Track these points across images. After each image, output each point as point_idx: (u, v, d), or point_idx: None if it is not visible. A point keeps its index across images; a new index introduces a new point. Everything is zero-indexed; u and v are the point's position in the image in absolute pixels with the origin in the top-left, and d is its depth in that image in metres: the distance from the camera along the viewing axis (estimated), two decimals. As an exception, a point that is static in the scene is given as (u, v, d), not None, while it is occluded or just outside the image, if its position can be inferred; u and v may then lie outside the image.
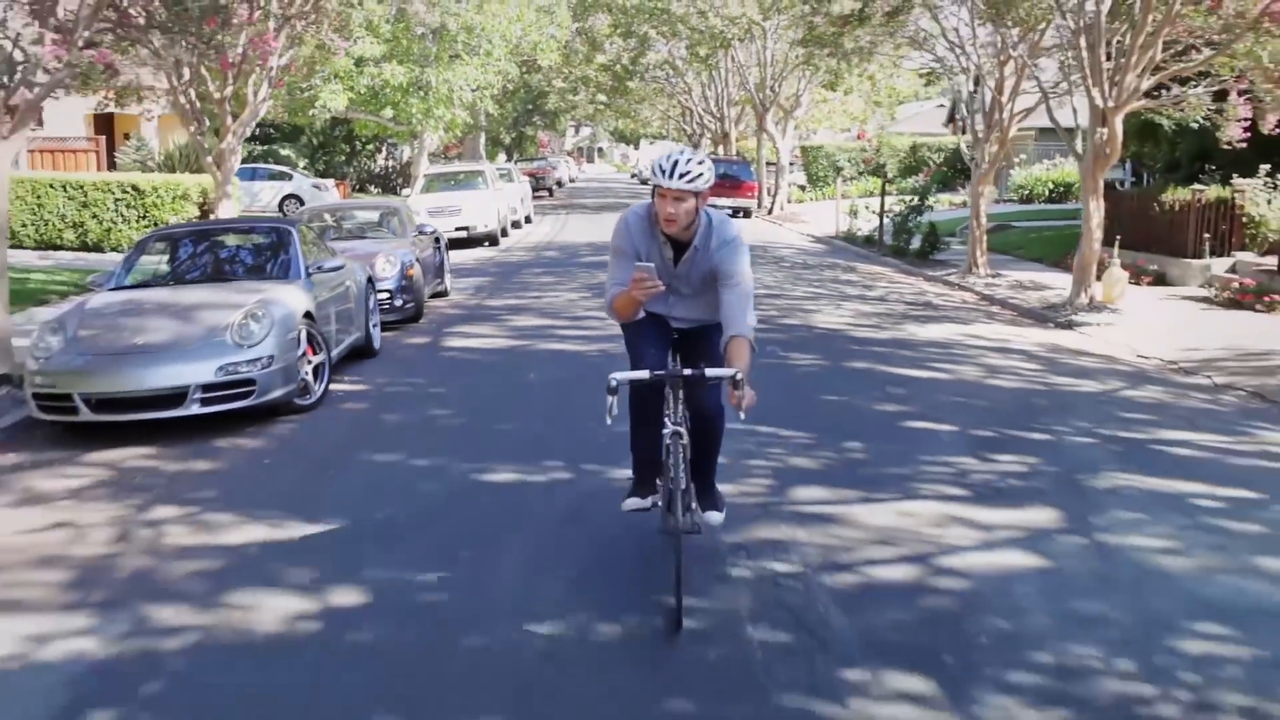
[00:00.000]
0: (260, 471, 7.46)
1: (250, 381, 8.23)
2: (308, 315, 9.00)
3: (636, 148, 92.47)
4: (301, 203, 32.92)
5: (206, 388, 8.11)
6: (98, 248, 21.74)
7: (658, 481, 5.38)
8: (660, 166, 4.90)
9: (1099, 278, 15.86)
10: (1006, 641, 4.67)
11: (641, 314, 5.19)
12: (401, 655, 4.62)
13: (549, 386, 9.97)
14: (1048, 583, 5.32)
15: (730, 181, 37.62)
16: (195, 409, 8.10)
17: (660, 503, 5.34)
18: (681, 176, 4.85)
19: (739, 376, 4.69)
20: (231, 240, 10.58)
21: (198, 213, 21.59)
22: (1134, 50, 14.28)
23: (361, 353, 11.03)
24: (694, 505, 5.25)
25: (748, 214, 37.20)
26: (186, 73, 14.11)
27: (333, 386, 9.52)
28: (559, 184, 58.56)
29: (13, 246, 21.44)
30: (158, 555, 5.85)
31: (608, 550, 5.80)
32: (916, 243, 22.91)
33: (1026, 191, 36.91)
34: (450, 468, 7.31)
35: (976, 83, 20.45)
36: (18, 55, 8.72)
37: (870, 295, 17.02)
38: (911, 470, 7.17)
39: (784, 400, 8.77)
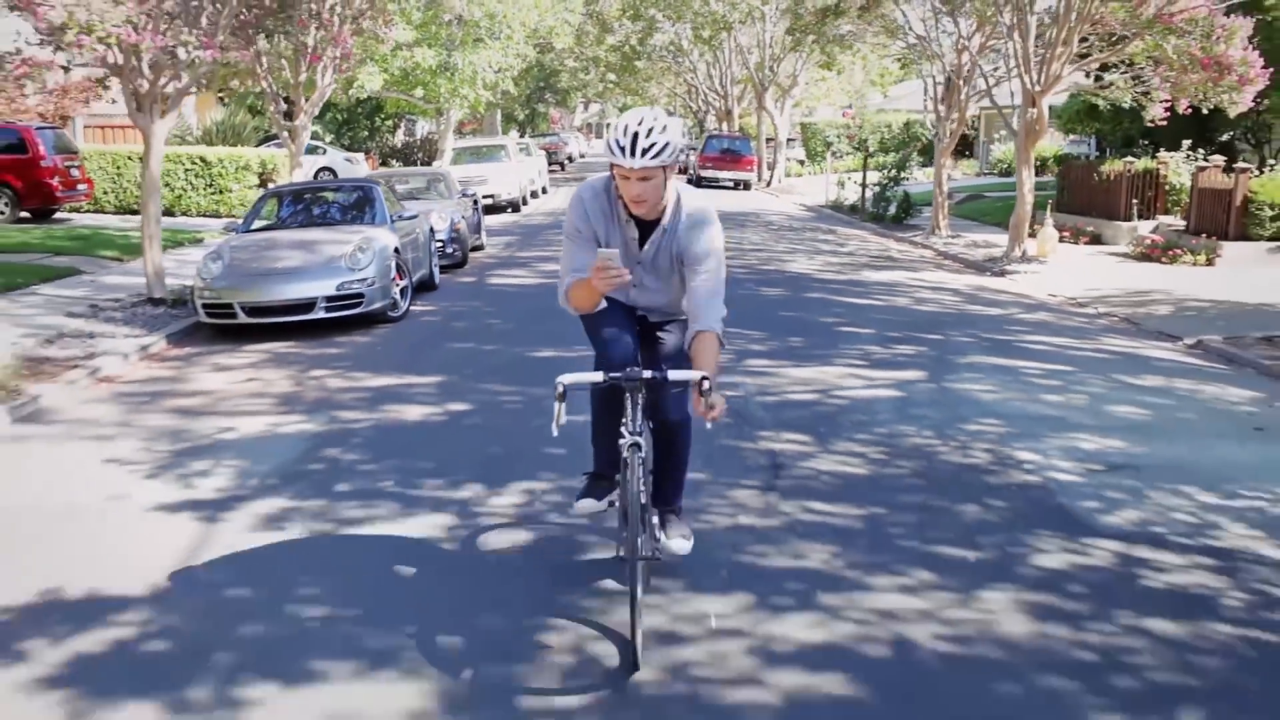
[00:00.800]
0: (375, 353, 10.51)
1: (360, 295, 11.31)
2: (396, 250, 12.06)
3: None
4: (334, 174, 35.86)
5: (329, 299, 11.19)
6: (169, 212, 24.69)
7: (617, 479, 4.66)
8: (618, 143, 4.14)
9: (1033, 236, 18.86)
10: (860, 424, 7.73)
11: (603, 303, 4.51)
12: (496, 431, 7.69)
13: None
14: (898, 402, 8.38)
15: (732, 156, 40.83)
16: (321, 314, 11.19)
17: (618, 517, 4.76)
18: (645, 153, 4.12)
19: (706, 381, 4.01)
20: (331, 195, 13.65)
21: (258, 181, 24.62)
22: (1057, 43, 17.25)
23: (425, 286, 14.05)
24: (656, 526, 4.82)
25: (747, 186, 40.21)
26: (265, 62, 17.07)
27: (410, 307, 12.58)
28: (570, 159, 61.45)
29: (95, 211, 24.58)
30: (327, 391, 8.92)
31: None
32: (893, 210, 25.87)
33: (1005, 165, 39.75)
34: (507, 350, 10.37)
35: (947, 71, 23.37)
36: (182, 54, 11.68)
37: (841, 250, 20.05)
38: (833, 352, 10.24)
39: (751, 315, 11.81)
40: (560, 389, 4.17)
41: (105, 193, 24.68)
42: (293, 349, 10.71)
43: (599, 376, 4.28)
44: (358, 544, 5.62)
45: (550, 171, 44.15)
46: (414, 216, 13.19)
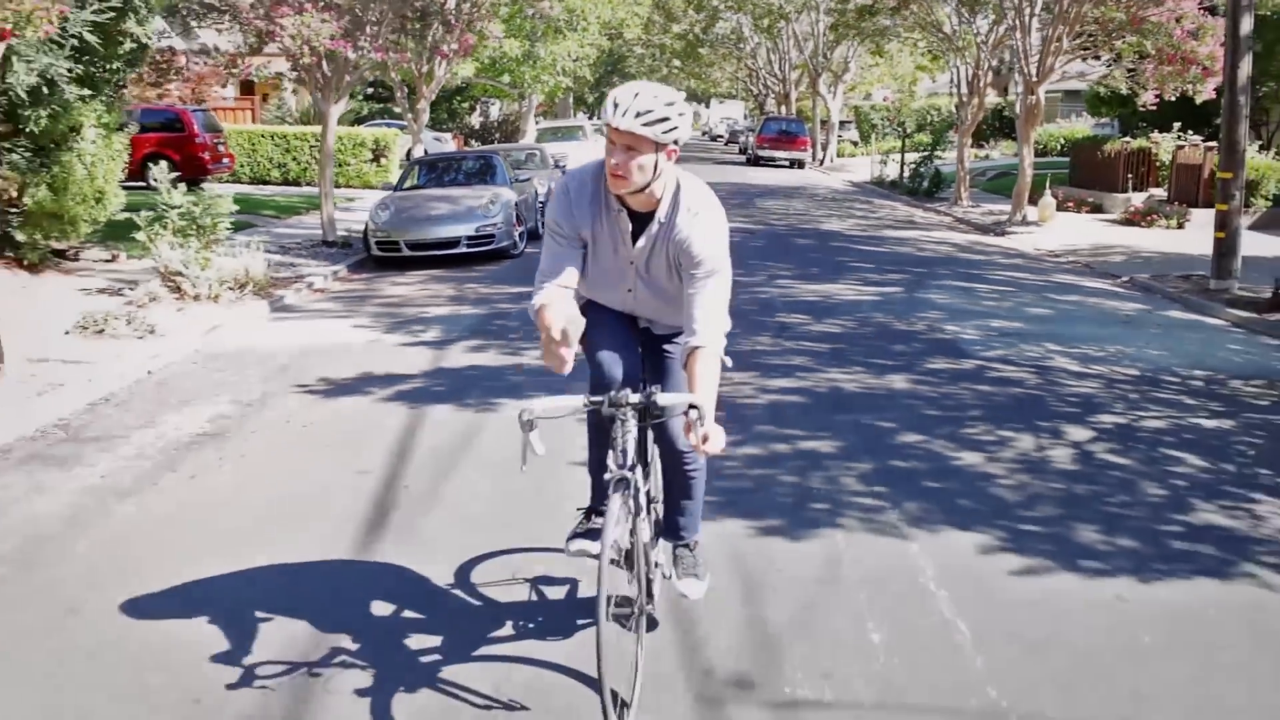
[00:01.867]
0: (505, 275, 14.39)
1: (491, 236, 15.23)
2: (515, 204, 15.95)
3: (707, 106, 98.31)
4: (425, 152, 39.93)
5: (469, 238, 15.12)
6: (295, 182, 28.84)
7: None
8: (613, 101, 3.48)
9: (1034, 204, 22.38)
10: (844, 311, 11.51)
11: (600, 313, 4.02)
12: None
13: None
14: (875, 302, 12.15)
15: (787, 136, 44.49)
16: (463, 249, 15.13)
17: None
18: (638, 116, 3.44)
19: (698, 408, 3.41)
20: (462, 163, 17.60)
21: (371, 156, 28.67)
22: (1051, 40, 20.76)
23: (534, 235, 17.94)
24: (664, 564, 4.22)
25: (801, 165, 43.79)
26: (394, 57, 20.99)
27: (525, 249, 16.47)
28: (636, 139, 65.06)
29: (233, 180, 28.78)
30: (480, 295, 12.83)
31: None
32: (925, 185, 29.42)
33: (1041, 146, 42.98)
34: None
35: (968, 63, 26.85)
36: (352, 55, 15.56)
37: (871, 216, 23.70)
38: (839, 277, 14.01)
39: (780, 253, 15.57)
40: (525, 418, 3.40)
41: (241, 165, 28.81)
42: (445, 273, 14.61)
43: (575, 402, 3.54)
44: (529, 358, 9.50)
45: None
46: (527, 180, 17.11)
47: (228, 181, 28.58)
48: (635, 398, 3.55)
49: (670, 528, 4.26)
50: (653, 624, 4.15)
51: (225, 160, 27.48)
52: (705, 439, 3.36)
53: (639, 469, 3.71)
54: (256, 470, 6.52)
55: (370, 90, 46.70)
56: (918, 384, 8.39)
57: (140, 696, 3.91)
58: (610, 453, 3.63)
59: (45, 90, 11.17)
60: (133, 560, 5.13)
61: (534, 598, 4.69)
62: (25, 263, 13.03)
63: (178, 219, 11.91)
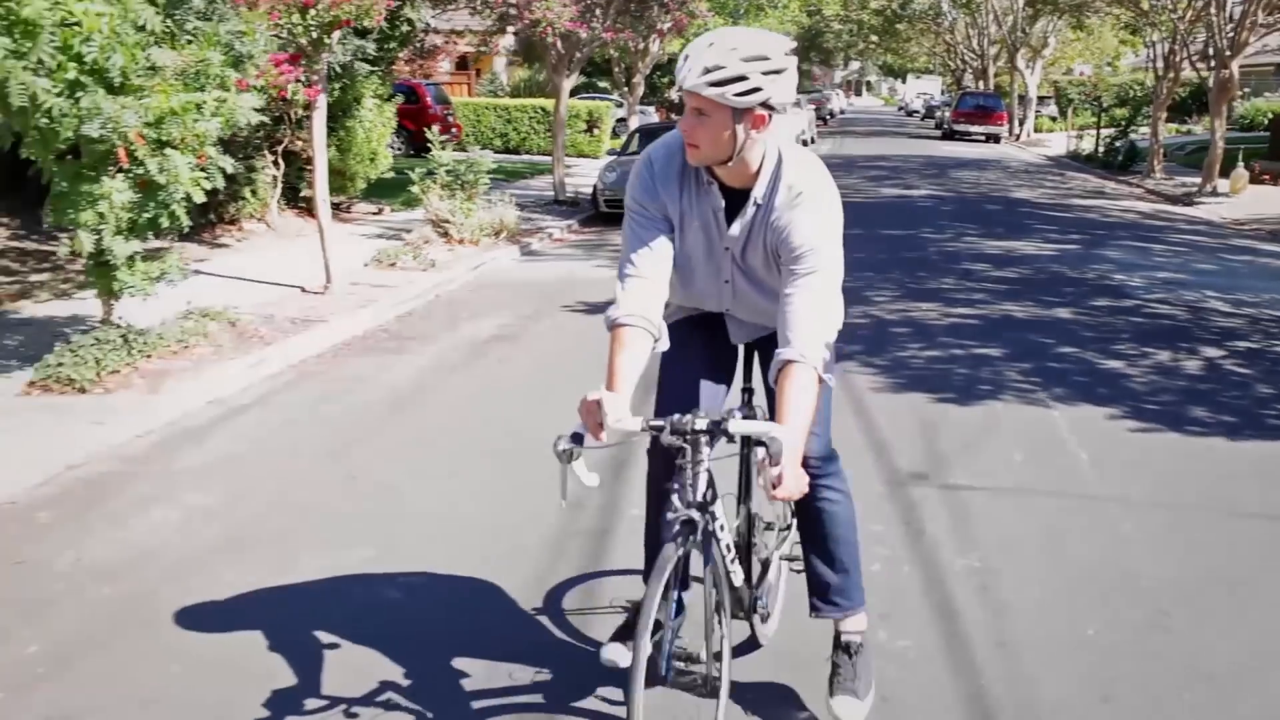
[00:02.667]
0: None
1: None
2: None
3: (904, 81, 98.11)
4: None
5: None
6: (515, 151, 31.22)
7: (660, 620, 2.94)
8: (686, 52, 2.80)
9: (1225, 175, 23.00)
10: (1023, 263, 12.84)
11: (676, 321, 3.32)
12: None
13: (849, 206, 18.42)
14: (1054, 255, 13.44)
15: (983, 111, 45.10)
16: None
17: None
18: (706, 73, 2.74)
19: (777, 441, 2.63)
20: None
21: (585, 127, 30.83)
22: (1245, 16, 21.41)
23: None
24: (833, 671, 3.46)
25: (997, 139, 44.33)
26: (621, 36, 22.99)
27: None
28: (831, 114, 66.13)
29: (459, 148, 31.34)
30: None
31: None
32: (1119, 158, 30.02)
33: (1247, 120, 42.49)
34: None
35: (1164, 37, 27.38)
36: (584, 35, 17.52)
37: (1061, 186, 24.64)
38: (1021, 236, 15.32)
39: (970, 216, 16.93)
40: (560, 447, 2.68)
41: (466, 135, 31.32)
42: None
43: (629, 426, 2.74)
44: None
45: (817, 125, 49.22)
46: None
47: (454, 149, 31.21)
48: (703, 422, 2.74)
49: (813, 590, 3.48)
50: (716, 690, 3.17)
51: (453, 130, 30.02)
52: (777, 481, 2.60)
53: (717, 512, 2.96)
54: (547, 360, 8.44)
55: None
56: (1079, 315, 9.82)
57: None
58: (676, 489, 2.81)
59: (340, 67, 13.41)
60: (476, 410, 7.11)
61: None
62: (313, 213, 15.44)
63: (445, 175, 14.04)
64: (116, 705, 3.60)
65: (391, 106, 16.41)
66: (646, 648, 2.70)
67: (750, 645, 3.76)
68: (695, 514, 2.81)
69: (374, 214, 16.97)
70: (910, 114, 76.69)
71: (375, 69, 14.45)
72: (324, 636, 4.00)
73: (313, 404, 7.23)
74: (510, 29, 17.32)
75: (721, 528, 3.02)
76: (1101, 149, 31.43)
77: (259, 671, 3.76)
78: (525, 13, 15.39)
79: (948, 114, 46.92)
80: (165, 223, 7.19)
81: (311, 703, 3.56)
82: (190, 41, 7.00)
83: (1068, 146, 36.33)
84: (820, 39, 62.39)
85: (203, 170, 7.16)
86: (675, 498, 2.82)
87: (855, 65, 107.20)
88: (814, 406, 2.89)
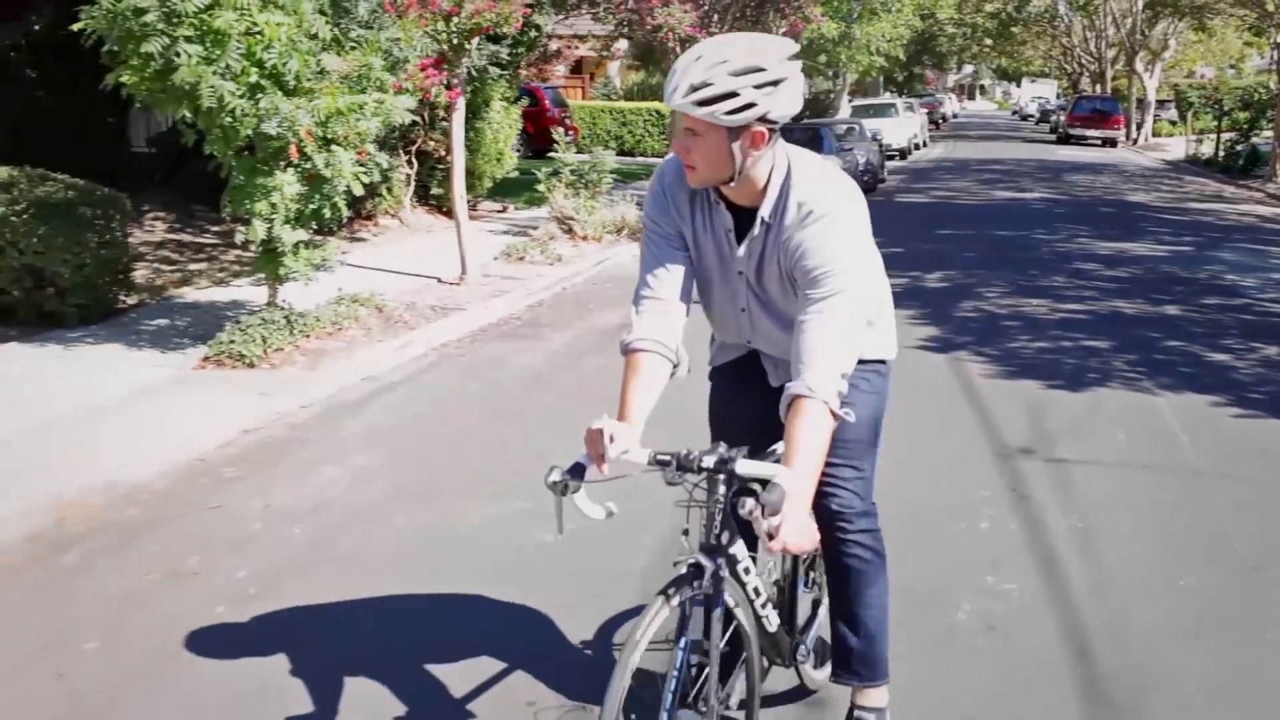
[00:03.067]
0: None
1: (870, 169, 17.42)
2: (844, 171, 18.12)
3: (1018, 85, 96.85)
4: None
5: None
6: (629, 153, 31.87)
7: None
8: (674, 68, 2.54)
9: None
10: (1133, 262, 13.02)
11: (727, 357, 3.18)
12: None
13: (962, 207, 18.65)
14: (1166, 256, 13.60)
15: (1099, 115, 44.61)
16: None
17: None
18: (693, 90, 2.48)
19: (777, 489, 2.35)
20: (792, 134, 19.89)
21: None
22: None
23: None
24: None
25: (1114, 144, 43.84)
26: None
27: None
28: (944, 118, 65.74)
29: (575, 151, 32.10)
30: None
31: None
32: (1240, 162, 29.66)
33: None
34: (913, 229, 16.13)
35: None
36: (701, 39, 18.01)
37: (1178, 190, 24.53)
38: (1134, 237, 15.46)
39: (1083, 217, 17.06)
40: (553, 478, 2.52)
41: (582, 137, 32.07)
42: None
43: (634, 460, 2.54)
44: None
45: (929, 128, 49.17)
46: (849, 149, 19.21)
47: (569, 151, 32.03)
48: (710, 459, 2.51)
49: (834, 652, 3.21)
50: None
51: (570, 132, 30.74)
52: (776, 531, 2.35)
53: (738, 554, 2.74)
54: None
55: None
56: (1188, 311, 10.06)
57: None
58: (684, 537, 2.64)
59: (474, 71, 14.10)
60: (610, 389, 7.65)
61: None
62: (443, 210, 16.19)
63: (569, 174, 14.66)
64: (317, 619, 4.20)
65: (517, 109, 17.11)
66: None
67: (800, 693, 3.50)
68: (703, 558, 2.58)
69: (499, 211, 17.69)
70: (1024, 118, 75.82)
71: (504, 73, 15.12)
72: (488, 570, 4.56)
73: (458, 382, 7.84)
74: (631, 34, 17.90)
75: (746, 570, 2.78)
76: (1222, 153, 31.04)
77: (438, 596, 4.35)
78: (647, 18, 15.96)
79: (1063, 118, 46.51)
80: (327, 213, 7.87)
81: (471, 615, 4.11)
82: (354, 48, 7.66)
83: (1187, 151, 35.86)
84: (933, 43, 62.06)
85: (361, 165, 7.82)
86: (683, 539, 2.63)
87: (968, 69, 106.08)
88: (825, 447, 2.58)
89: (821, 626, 3.38)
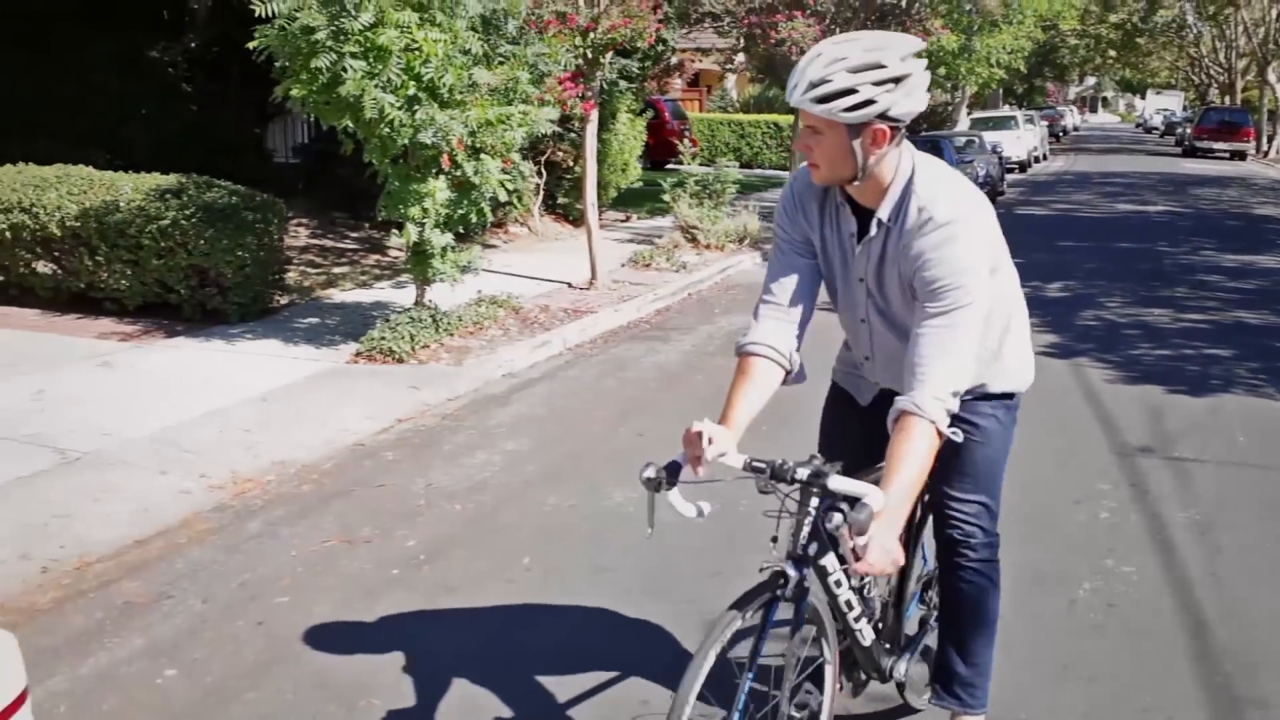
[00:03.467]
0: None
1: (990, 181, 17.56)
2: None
3: (1142, 97, 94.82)
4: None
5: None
6: (748, 165, 32.19)
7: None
8: (796, 68, 2.53)
9: None
10: (1260, 275, 12.97)
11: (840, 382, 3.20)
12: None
13: (1083, 219, 18.63)
14: (1277, 266, 13.52)
15: (1228, 127, 43.64)
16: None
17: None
18: (812, 88, 2.49)
19: (865, 508, 2.34)
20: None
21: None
22: None
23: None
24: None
25: (1243, 156, 42.86)
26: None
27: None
28: (1065, 131, 64.80)
29: (710, 164, 32.53)
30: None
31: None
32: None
33: None
34: (1039, 240, 16.18)
35: None
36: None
37: (1308, 202, 24.11)
38: (1260, 250, 15.32)
39: (1207, 230, 16.93)
40: (648, 474, 2.58)
41: (701, 149, 32.47)
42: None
43: (731, 463, 2.56)
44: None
45: (1049, 141, 48.62)
46: (970, 161, 19.30)
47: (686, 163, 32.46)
48: (804, 472, 2.50)
49: (937, 672, 3.21)
50: None
51: (690, 144, 31.16)
52: (860, 551, 2.34)
53: (829, 565, 2.72)
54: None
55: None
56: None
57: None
58: (773, 543, 2.58)
59: (606, 84, 14.58)
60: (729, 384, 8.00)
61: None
62: (568, 218, 16.71)
63: (694, 185, 15.06)
64: (482, 582, 4.62)
65: (642, 121, 17.59)
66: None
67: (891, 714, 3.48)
68: (788, 566, 2.55)
69: (622, 220, 18.15)
70: (1149, 130, 74.28)
71: (631, 85, 15.59)
72: (634, 542, 4.94)
73: (593, 379, 8.27)
74: (754, 47, 18.24)
75: (838, 583, 2.75)
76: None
77: (591, 562, 4.75)
78: (771, 32, 16.30)
79: (1189, 130, 45.62)
80: (474, 218, 8.38)
81: (614, 582, 4.50)
82: (503, 62, 8.15)
83: (1320, 164, 35.05)
84: (1055, 54, 61.23)
85: (506, 173, 8.30)
86: (771, 546, 2.57)
87: (1091, 81, 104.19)
88: (926, 467, 2.52)
89: (926, 646, 3.34)
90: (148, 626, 4.27)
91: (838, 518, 2.38)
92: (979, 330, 2.62)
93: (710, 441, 2.53)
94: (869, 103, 2.46)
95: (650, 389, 7.93)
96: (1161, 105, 75.11)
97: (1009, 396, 3.01)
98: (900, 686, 3.24)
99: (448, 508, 5.54)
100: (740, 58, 24.44)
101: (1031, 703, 3.58)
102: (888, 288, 2.75)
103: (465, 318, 9.05)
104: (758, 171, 30.58)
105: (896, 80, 2.48)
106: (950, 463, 2.86)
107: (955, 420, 2.62)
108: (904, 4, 20.68)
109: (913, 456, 2.49)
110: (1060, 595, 4.32)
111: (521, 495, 5.70)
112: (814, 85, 2.47)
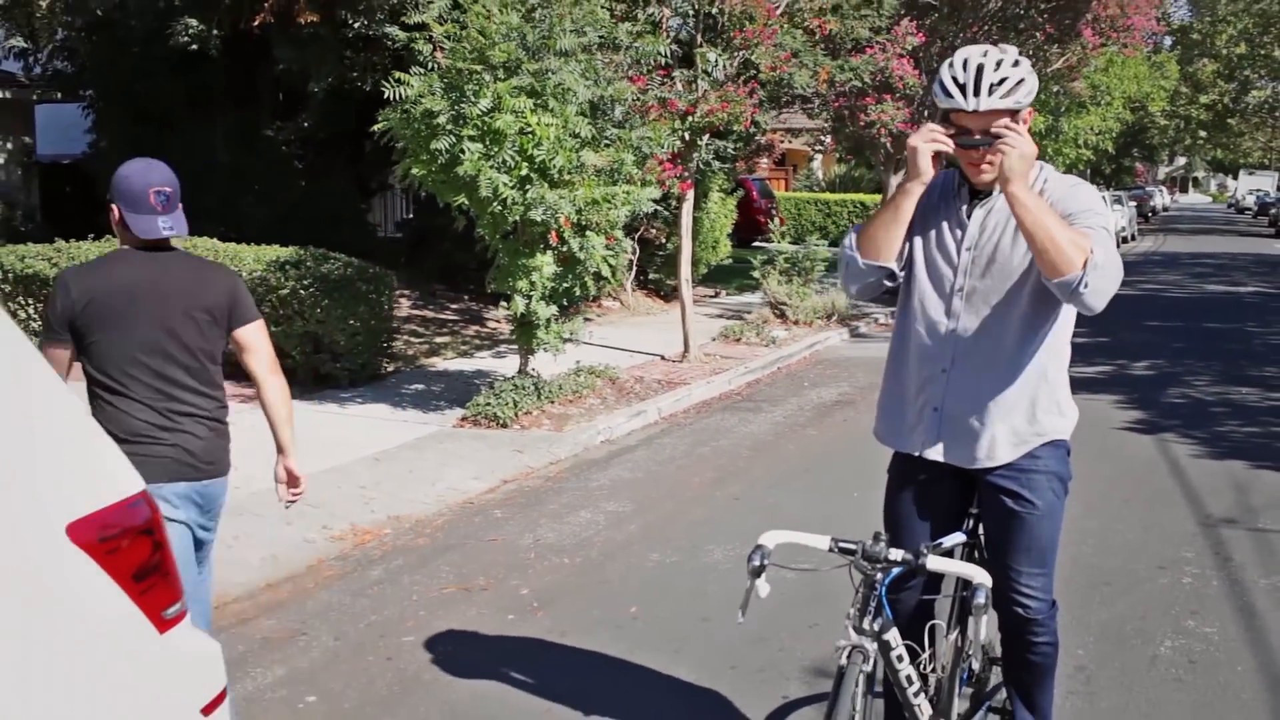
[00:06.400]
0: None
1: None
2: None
3: (1235, 177, 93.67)
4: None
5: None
6: (835, 243, 32.50)
7: None
8: (955, 80, 2.82)
9: None
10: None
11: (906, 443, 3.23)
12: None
13: (1171, 299, 18.65)
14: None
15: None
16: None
17: None
18: (995, 88, 2.79)
19: (983, 590, 2.59)
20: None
21: (903, 221, 31.88)
22: None
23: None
24: None
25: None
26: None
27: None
28: (1154, 211, 64.31)
29: (795, 242, 32.97)
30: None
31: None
32: None
33: None
34: (1144, 316, 16.29)
35: None
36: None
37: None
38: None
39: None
40: (755, 561, 2.77)
41: (790, 226, 32.92)
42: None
43: (819, 543, 2.79)
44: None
45: (1138, 222, 48.35)
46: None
47: (773, 241, 32.94)
48: (898, 554, 2.70)
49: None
50: None
51: (778, 222, 31.65)
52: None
53: (892, 641, 2.85)
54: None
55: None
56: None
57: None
58: (849, 618, 2.76)
59: (702, 164, 15.09)
60: (830, 455, 8.31)
61: None
62: (659, 293, 17.17)
63: (783, 262, 15.44)
64: (592, 628, 4.96)
65: (733, 200, 18.05)
66: None
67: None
68: (863, 644, 2.72)
69: (711, 296, 18.58)
70: (1241, 210, 73.34)
71: (724, 165, 16.08)
72: (734, 596, 5.24)
73: (689, 447, 8.61)
74: (844, 128, 18.67)
75: (900, 658, 2.88)
76: None
77: (694, 611, 5.07)
78: (860, 115, 16.71)
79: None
80: (577, 292, 8.81)
81: (718, 630, 4.81)
82: (609, 145, 8.62)
83: None
84: (1144, 135, 61.01)
85: (610, 249, 8.74)
86: (848, 622, 2.75)
87: (1180, 161, 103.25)
88: (1063, 233, 2.76)
89: None
90: (286, 659, 4.66)
91: (979, 596, 2.57)
92: (1113, 245, 2.85)
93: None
94: (1031, 84, 2.82)
95: (743, 456, 8.25)
96: (1254, 185, 74.22)
97: (1065, 447, 3.12)
98: None
99: (556, 560, 5.89)
100: (828, 139, 24.93)
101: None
102: (999, 253, 2.97)
103: (565, 386, 9.47)
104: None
105: (1021, 63, 2.86)
106: (1013, 540, 3.06)
107: (1014, 497, 3.03)
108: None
109: (1059, 223, 2.76)
110: (1143, 652, 4.54)
111: (625, 550, 6.04)
112: (996, 86, 2.79)
